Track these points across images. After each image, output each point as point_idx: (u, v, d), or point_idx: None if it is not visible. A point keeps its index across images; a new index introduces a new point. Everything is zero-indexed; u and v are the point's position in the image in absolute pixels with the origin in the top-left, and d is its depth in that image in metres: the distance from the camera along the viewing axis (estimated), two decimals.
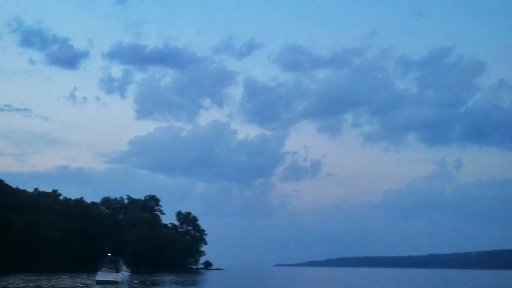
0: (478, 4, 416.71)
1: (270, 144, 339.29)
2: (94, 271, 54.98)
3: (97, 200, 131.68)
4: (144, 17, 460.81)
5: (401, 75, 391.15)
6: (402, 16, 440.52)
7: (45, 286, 42.25)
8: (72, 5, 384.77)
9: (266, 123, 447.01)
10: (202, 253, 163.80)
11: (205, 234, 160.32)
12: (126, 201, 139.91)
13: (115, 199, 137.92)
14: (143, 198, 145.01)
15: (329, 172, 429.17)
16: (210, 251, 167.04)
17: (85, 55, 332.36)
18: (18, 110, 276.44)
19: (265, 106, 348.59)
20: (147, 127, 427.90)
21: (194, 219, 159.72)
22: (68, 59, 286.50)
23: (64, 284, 45.92)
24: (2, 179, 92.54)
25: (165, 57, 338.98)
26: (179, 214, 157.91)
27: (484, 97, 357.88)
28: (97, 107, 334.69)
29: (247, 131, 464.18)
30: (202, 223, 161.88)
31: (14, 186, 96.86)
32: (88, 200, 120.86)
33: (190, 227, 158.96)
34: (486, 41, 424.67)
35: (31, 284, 44.73)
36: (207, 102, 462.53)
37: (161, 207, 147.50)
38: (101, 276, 50.98)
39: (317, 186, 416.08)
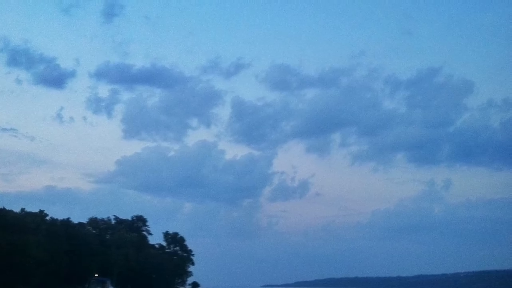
0: (466, 24, 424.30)
1: (258, 164, 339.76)
2: None
3: (84, 220, 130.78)
4: (131, 37, 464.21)
5: (389, 95, 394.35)
6: (390, 36, 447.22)
7: None
8: (59, 24, 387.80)
9: (253, 143, 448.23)
10: (189, 274, 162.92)
11: (193, 255, 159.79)
12: (113, 222, 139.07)
13: (102, 220, 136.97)
14: (130, 219, 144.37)
15: (317, 192, 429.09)
16: (197, 272, 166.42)
17: (72, 74, 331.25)
18: (4, 130, 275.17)
19: (252, 126, 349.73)
20: (134, 147, 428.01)
21: (182, 239, 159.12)
22: (55, 78, 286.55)
23: None
24: None
25: (152, 77, 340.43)
26: (166, 235, 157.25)
27: (472, 117, 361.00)
28: (84, 127, 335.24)
29: (235, 151, 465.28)
30: (190, 243, 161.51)
31: (0, 206, 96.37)
32: (75, 220, 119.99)
33: (177, 248, 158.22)
34: (475, 61, 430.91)
35: None
36: (194, 122, 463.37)
37: (148, 227, 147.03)
38: None
39: (305, 206, 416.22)
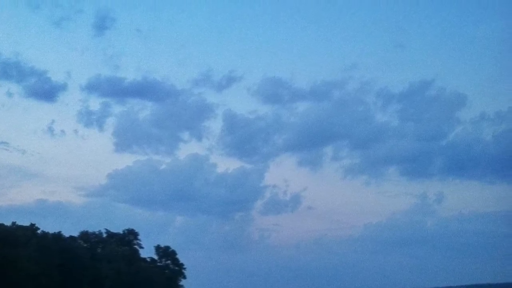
0: (459, 36, 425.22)
1: (250, 178, 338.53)
2: None
3: (75, 234, 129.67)
4: (122, 50, 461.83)
5: (381, 108, 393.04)
6: (382, 48, 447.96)
7: None
8: (50, 37, 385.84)
9: (245, 156, 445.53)
10: None
11: (184, 268, 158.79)
12: (104, 235, 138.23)
13: (94, 233, 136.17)
14: (121, 232, 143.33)
15: (309, 205, 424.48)
16: (189, 285, 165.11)
17: (63, 87, 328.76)
18: None
19: (244, 139, 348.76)
20: (125, 161, 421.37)
21: (173, 253, 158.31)
22: (46, 91, 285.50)
23: None
24: None
25: (143, 90, 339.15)
26: (158, 248, 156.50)
27: (465, 130, 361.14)
28: (75, 140, 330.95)
29: (227, 165, 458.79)
30: (181, 257, 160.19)
31: None
32: (66, 234, 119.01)
33: (169, 261, 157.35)
34: (467, 74, 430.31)
35: None
36: (186, 135, 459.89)
37: (140, 241, 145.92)
38: None
39: (297, 220, 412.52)
